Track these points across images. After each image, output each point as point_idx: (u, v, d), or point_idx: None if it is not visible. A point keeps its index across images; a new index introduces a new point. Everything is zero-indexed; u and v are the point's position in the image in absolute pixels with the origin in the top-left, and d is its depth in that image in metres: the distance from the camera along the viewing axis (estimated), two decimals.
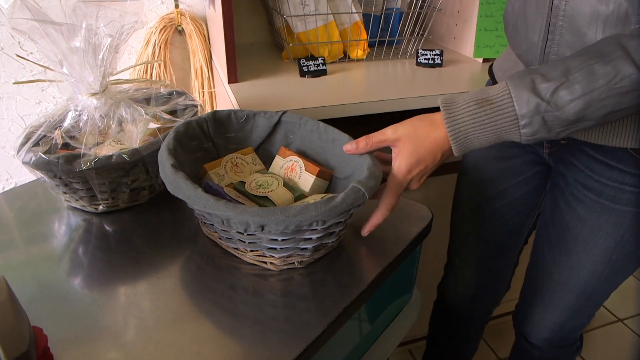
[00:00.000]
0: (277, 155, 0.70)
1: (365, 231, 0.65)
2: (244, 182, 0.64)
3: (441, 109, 0.63)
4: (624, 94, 0.55)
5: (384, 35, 1.29)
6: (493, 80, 0.90)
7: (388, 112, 1.04)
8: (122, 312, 0.56)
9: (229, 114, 0.71)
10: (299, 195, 0.64)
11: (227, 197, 0.57)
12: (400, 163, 0.63)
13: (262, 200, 0.61)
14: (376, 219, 0.64)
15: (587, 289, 0.84)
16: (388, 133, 0.64)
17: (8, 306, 0.41)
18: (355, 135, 0.67)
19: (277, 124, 0.72)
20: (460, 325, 1.15)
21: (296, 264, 0.59)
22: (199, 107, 0.78)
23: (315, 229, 0.53)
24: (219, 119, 0.71)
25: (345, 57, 1.26)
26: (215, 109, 1.40)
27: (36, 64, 0.66)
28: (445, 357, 1.24)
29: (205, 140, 0.70)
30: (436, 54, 1.21)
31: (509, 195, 0.92)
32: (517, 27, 0.76)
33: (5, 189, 1.22)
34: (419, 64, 1.23)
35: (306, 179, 0.67)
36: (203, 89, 1.38)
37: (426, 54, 1.21)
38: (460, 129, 0.62)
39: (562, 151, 0.79)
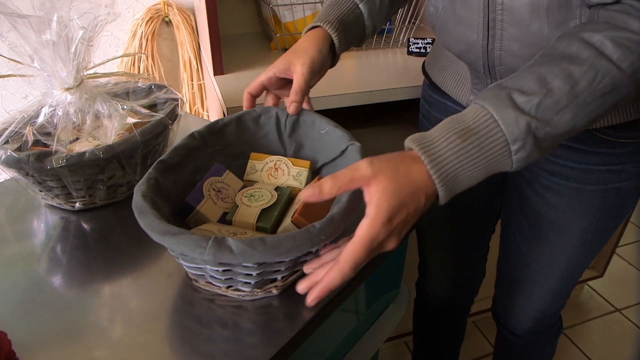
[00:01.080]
0: (250, 160, 0.66)
1: (310, 300, 0.47)
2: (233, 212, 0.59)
3: (418, 152, 0.49)
4: (607, 94, 0.50)
5: None
6: (429, 81, 0.89)
7: (379, 102, 1.01)
8: (100, 315, 0.54)
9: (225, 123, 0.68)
10: (289, 194, 0.62)
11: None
12: (378, 209, 0.46)
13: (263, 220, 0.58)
14: (331, 281, 0.46)
15: (566, 272, 0.85)
16: (362, 168, 0.48)
17: None
18: (346, 128, 0.63)
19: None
20: (443, 319, 1.15)
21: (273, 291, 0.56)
22: (179, 101, 0.76)
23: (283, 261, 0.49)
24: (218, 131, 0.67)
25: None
26: (204, 101, 1.39)
27: (5, 57, 0.64)
28: (433, 350, 1.23)
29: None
30: (427, 43, 1.18)
31: (473, 196, 0.89)
32: (447, 28, 0.73)
33: None
34: (410, 52, 1.20)
35: (299, 173, 0.64)
36: (192, 81, 1.36)
37: (417, 43, 1.19)
38: (447, 171, 0.49)
39: None
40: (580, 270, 0.86)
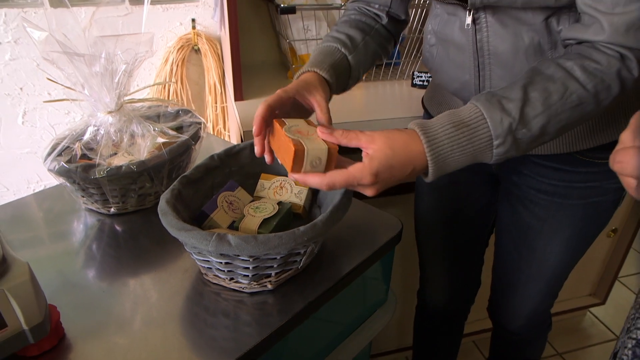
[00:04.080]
0: (260, 180, 0.77)
1: (293, 177, 0.61)
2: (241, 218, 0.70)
3: (418, 132, 0.61)
4: (574, 108, 0.63)
5: None
6: (428, 114, 1.00)
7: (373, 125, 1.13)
8: (126, 300, 0.66)
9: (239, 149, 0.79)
10: (289, 208, 0.73)
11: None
12: (371, 161, 0.60)
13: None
14: (312, 181, 0.60)
15: (554, 275, 0.98)
16: (368, 133, 0.62)
17: (29, 285, 0.52)
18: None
19: None
20: (443, 325, 1.24)
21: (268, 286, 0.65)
22: (202, 124, 0.89)
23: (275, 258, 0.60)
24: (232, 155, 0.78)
25: None
26: (226, 122, 1.52)
27: (63, 85, 0.78)
28: (433, 356, 1.33)
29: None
30: (430, 77, 1.30)
31: (467, 212, 1.04)
32: (443, 70, 0.86)
33: (35, 190, 1.35)
34: (414, 85, 1.31)
35: (300, 192, 0.75)
36: (216, 103, 1.50)
37: (421, 76, 1.30)
38: (440, 152, 0.61)
39: (511, 164, 0.89)
40: (566, 273, 0.99)
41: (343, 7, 1.21)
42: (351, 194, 0.67)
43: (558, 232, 0.91)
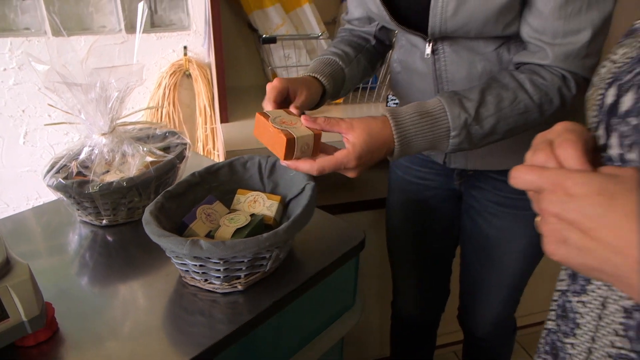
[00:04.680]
0: (237, 195, 0.86)
1: (285, 163, 0.72)
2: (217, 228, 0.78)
3: (388, 117, 0.72)
4: (521, 114, 0.75)
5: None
6: None
7: None
8: (115, 301, 0.75)
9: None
10: (261, 219, 0.82)
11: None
12: (354, 147, 0.70)
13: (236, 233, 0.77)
14: (303, 167, 0.71)
15: (514, 282, 1.07)
16: (348, 121, 0.72)
17: (29, 283, 0.60)
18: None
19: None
20: (416, 333, 1.32)
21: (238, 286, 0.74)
22: (187, 145, 0.98)
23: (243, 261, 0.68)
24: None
25: None
26: (215, 142, 1.62)
27: (62, 110, 0.87)
28: None
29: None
30: None
31: (433, 226, 1.14)
32: (408, 95, 0.97)
33: (34, 206, 1.44)
34: (388, 107, 1.42)
35: (271, 205, 0.84)
36: (206, 124, 1.60)
37: (394, 99, 1.40)
38: (405, 135, 0.72)
39: (472, 180, 0.99)
40: (524, 280, 1.09)
41: (320, 37, 1.32)
42: (313, 207, 0.76)
43: (514, 242, 1.01)
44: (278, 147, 0.70)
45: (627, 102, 0.39)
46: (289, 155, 0.70)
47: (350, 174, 0.74)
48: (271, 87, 0.79)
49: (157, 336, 0.68)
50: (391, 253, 1.23)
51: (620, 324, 0.45)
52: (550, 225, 0.41)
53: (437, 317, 1.32)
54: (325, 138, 0.75)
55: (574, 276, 0.52)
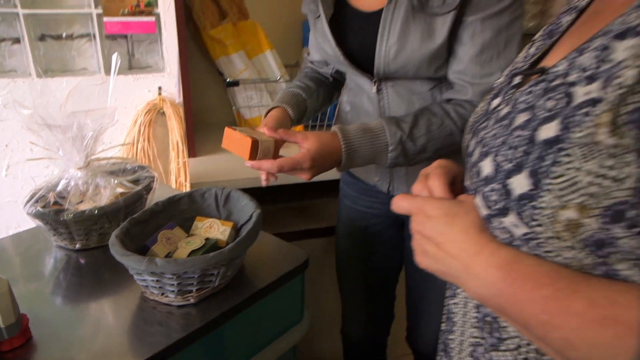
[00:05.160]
0: (195, 221, 0.98)
1: (249, 164, 0.89)
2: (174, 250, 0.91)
3: (338, 131, 0.91)
4: (447, 136, 0.92)
5: (321, 119, 1.64)
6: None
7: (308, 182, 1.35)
8: (85, 316, 0.85)
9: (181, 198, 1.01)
10: (215, 243, 0.94)
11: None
12: (309, 151, 0.87)
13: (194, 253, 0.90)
14: (265, 165, 0.88)
15: None
16: (299, 137, 0.89)
17: (7, 295, 0.71)
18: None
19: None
20: (364, 355, 1.42)
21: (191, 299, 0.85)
22: (154, 178, 1.11)
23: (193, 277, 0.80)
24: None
25: None
26: (187, 175, 1.74)
27: (42, 147, 1.00)
28: None
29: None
30: None
31: (378, 253, 1.26)
32: (354, 117, 1.13)
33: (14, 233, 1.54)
34: None
35: (224, 230, 0.97)
36: (178, 158, 1.72)
37: None
38: (351, 146, 0.90)
39: None
40: None
41: (279, 80, 1.47)
42: (257, 231, 0.88)
43: None
44: (243, 150, 0.87)
45: (475, 154, 0.52)
46: (253, 156, 0.88)
47: (305, 175, 0.90)
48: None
49: (119, 342, 0.78)
50: (339, 278, 1.35)
51: (475, 317, 0.58)
52: (416, 241, 0.55)
53: (383, 340, 1.42)
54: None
55: (450, 282, 0.65)
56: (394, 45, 0.91)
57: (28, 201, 1.00)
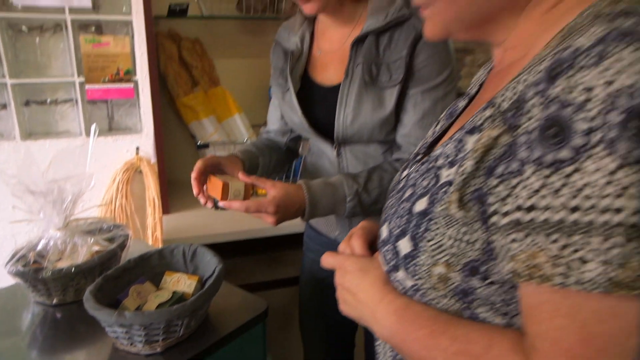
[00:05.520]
0: (164, 276, 1.07)
1: (222, 204, 1.01)
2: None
3: (302, 184, 1.03)
4: None
5: (287, 177, 1.76)
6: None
7: (271, 235, 1.47)
8: None
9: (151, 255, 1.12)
10: (182, 295, 1.03)
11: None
12: (274, 198, 0.99)
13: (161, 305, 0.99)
14: (234, 205, 1.00)
15: None
16: (268, 184, 1.01)
17: None
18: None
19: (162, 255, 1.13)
20: None
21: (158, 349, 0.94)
22: (128, 236, 1.21)
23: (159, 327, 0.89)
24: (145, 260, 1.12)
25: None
26: (162, 230, 1.83)
27: (24, 210, 1.10)
28: None
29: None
30: None
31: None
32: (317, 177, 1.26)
33: None
34: None
35: (190, 284, 1.06)
36: (154, 214, 1.82)
37: None
38: (314, 197, 1.02)
39: None
40: None
41: (247, 142, 1.61)
42: (219, 285, 0.98)
43: None
44: (218, 191, 1.02)
45: (381, 220, 0.64)
46: (224, 196, 1.01)
47: (269, 219, 1.01)
48: (204, 159, 1.11)
49: None
50: (301, 327, 1.43)
51: (390, 356, 0.68)
52: (339, 291, 0.66)
53: None
54: None
55: None
56: (350, 113, 1.07)
57: (9, 261, 1.09)
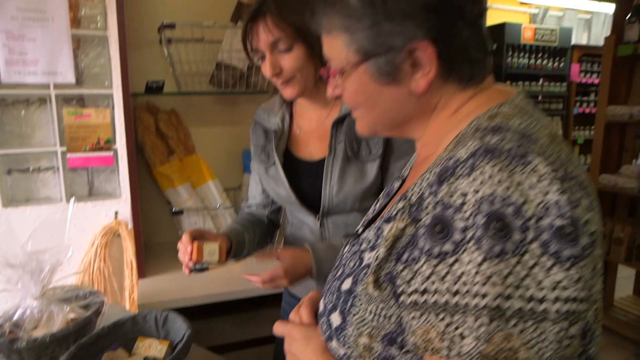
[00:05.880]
0: (137, 342, 1.13)
1: (248, 277, 1.12)
2: None
3: (309, 248, 1.12)
4: None
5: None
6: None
7: (245, 298, 1.52)
8: None
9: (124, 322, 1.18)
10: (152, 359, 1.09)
11: None
12: (284, 265, 1.09)
13: None
14: (252, 279, 1.10)
15: None
16: (279, 250, 1.11)
17: None
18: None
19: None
20: None
21: None
22: (104, 302, 1.26)
23: None
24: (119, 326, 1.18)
25: None
26: (137, 295, 1.88)
27: (2, 282, 1.15)
28: None
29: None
30: None
31: None
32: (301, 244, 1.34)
33: None
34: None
35: (162, 349, 1.12)
36: (132, 276, 1.87)
37: None
38: (319, 259, 1.11)
39: None
40: None
41: (219, 208, 1.69)
42: (187, 349, 1.04)
43: None
44: (193, 253, 1.10)
45: (323, 290, 0.73)
46: (199, 257, 1.10)
47: (283, 282, 1.10)
48: (189, 232, 1.18)
49: None
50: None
51: None
52: (288, 357, 0.73)
53: None
54: None
55: None
56: (336, 185, 1.17)
57: None
